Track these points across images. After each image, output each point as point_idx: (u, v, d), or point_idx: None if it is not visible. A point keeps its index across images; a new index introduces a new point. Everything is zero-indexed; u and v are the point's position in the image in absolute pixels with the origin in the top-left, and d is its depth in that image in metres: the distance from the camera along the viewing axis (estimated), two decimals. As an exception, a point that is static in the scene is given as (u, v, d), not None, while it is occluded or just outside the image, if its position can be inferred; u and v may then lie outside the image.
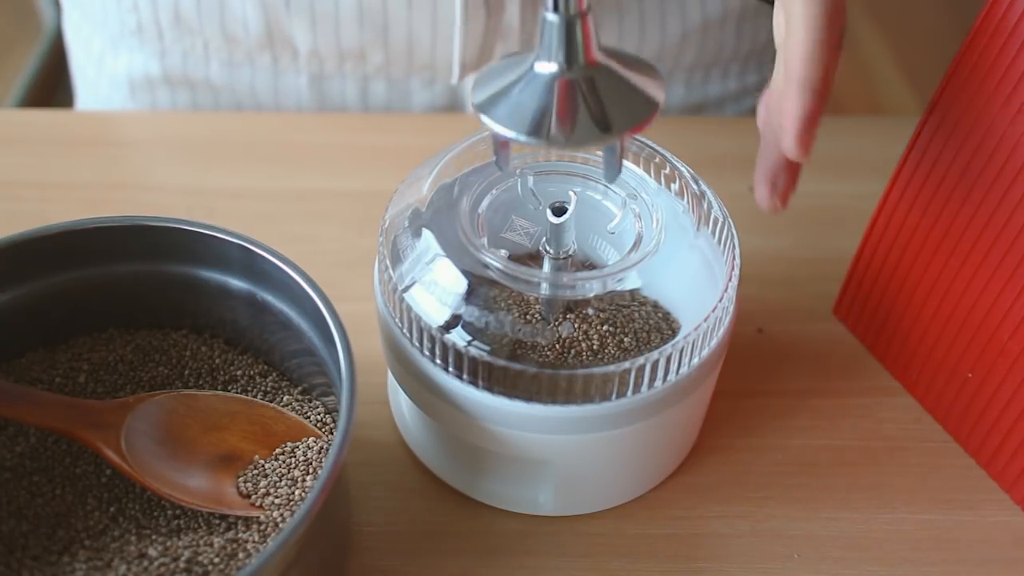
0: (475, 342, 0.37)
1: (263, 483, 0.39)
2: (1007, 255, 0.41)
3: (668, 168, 0.43)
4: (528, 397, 0.38)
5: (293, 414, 0.42)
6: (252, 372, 0.44)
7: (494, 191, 0.42)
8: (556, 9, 0.33)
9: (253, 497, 0.38)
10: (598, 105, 0.33)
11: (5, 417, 0.40)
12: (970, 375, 0.44)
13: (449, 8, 0.59)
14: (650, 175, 0.43)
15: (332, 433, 0.41)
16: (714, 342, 0.39)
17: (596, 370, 0.37)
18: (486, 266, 0.38)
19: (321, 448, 0.40)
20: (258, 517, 0.38)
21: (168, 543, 0.37)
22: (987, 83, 0.40)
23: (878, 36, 1.69)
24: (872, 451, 0.46)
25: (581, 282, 0.38)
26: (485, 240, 0.40)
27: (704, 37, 0.66)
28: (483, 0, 0.58)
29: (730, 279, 0.39)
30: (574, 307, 0.38)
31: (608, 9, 0.62)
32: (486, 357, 0.37)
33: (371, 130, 0.64)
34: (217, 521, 0.39)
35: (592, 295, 0.38)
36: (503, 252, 0.40)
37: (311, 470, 0.39)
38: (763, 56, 0.70)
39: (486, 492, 0.43)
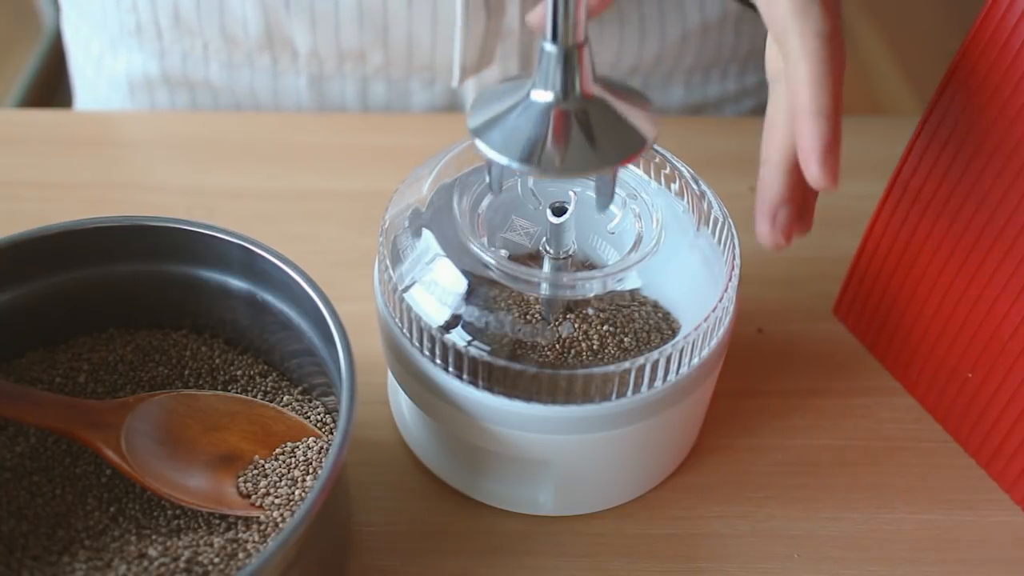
0: (475, 342, 0.37)
1: (263, 483, 0.39)
2: (1007, 255, 0.41)
3: (668, 168, 0.43)
4: (528, 397, 0.38)
5: (293, 414, 0.42)
6: (252, 372, 0.44)
7: (494, 191, 0.42)
8: (555, 40, 0.33)
9: (253, 497, 0.38)
10: (591, 137, 0.34)
11: (5, 417, 0.40)
12: (970, 375, 0.44)
13: (449, 9, 0.59)
14: (650, 175, 0.43)
15: (332, 433, 0.41)
16: (714, 342, 0.39)
17: (596, 370, 0.37)
18: (486, 266, 0.38)
19: (321, 448, 0.40)
20: (258, 517, 0.38)
21: (168, 543, 0.37)
22: (987, 83, 0.40)
23: (878, 36, 1.69)
24: (872, 451, 0.46)
25: (581, 282, 0.38)
26: (485, 240, 0.40)
27: (703, 38, 0.66)
28: (484, 2, 0.58)
29: (730, 279, 0.39)
30: (574, 307, 0.38)
31: (609, 12, 0.62)
32: (486, 357, 0.37)
33: (371, 130, 0.64)
34: (217, 521, 0.39)
35: (592, 295, 0.38)
36: (503, 252, 0.40)
37: (311, 470, 0.39)
38: (762, 57, 0.70)
39: (486, 492, 0.43)
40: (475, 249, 0.39)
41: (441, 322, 0.38)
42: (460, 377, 0.38)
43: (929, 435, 0.47)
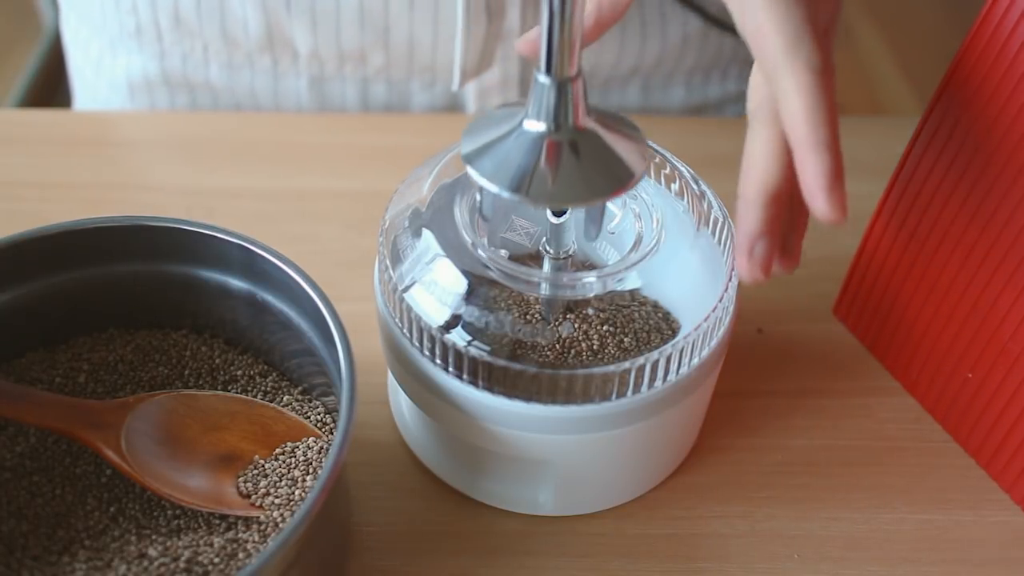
0: (475, 342, 0.37)
1: (263, 483, 0.39)
2: (1007, 255, 0.41)
3: (668, 168, 0.43)
4: (528, 397, 0.38)
5: (293, 414, 0.42)
6: (252, 372, 0.44)
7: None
8: (549, 72, 0.34)
9: (253, 497, 0.38)
10: (581, 169, 0.35)
11: (5, 417, 0.40)
12: (970, 375, 0.44)
13: (451, 10, 0.59)
14: (650, 175, 0.43)
15: (332, 433, 0.41)
16: (714, 342, 0.39)
17: (596, 370, 0.37)
18: (486, 266, 0.38)
19: (321, 448, 0.40)
20: (258, 517, 0.38)
21: (168, 543, 0.37)
22: (987, 83, 0.40)
23: (877, 36, 1.69)
24: (872, 451, 0.46)
25: (581, 282, 0.38)
26: (485, 240, 0.40)
27: (704, 40, 0.66)
28: (484, 5, 0.58)
29: (730, 279, 0.39)
30: (574, 307, 0.38)
31: None
32: (486, 357, 0.37)
33: (371, 130, 0.64)
34: (217, 521, 0.39)
35: (592, 295, 0.38)
36: (503, 252, 0.40)
37: (311, 470, 0.39)
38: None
39: (486, 492, 0.43)
40: (475, 249, 0.39)
41: (441, 322, 0.38)
42: (460, 377, 0.38)
43: (929, 435, 0.47)
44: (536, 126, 0.35)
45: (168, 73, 0.66)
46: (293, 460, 0.39)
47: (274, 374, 0.44)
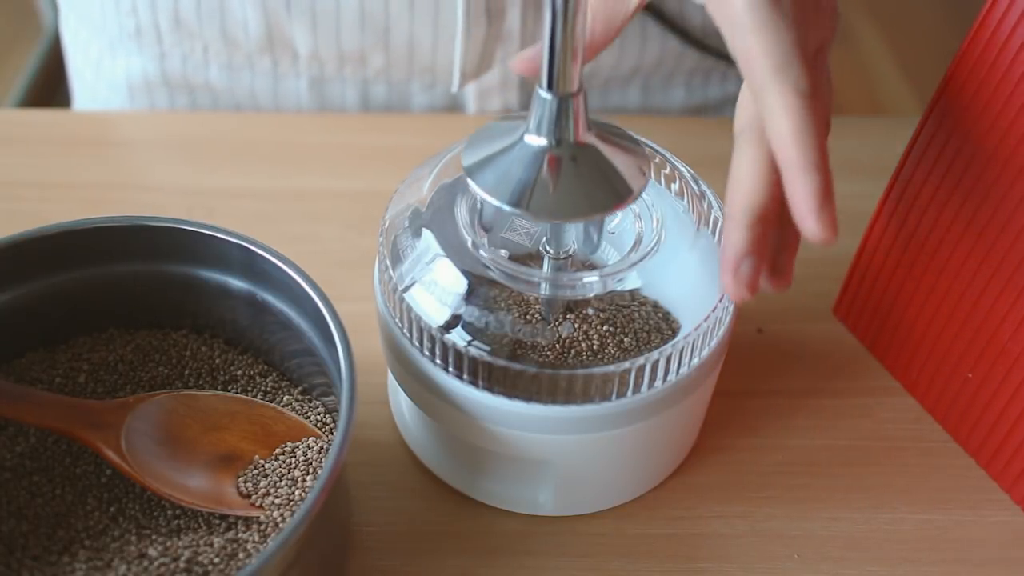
0: (475, 342, 0.37)
1: (263, 483, 0.39)
2: (1008, 255, 0.41)
3: (668, 168, 0.43)
4: (528, 397, 0.38)
5: (293, 414, 0.42)
6: (252, 372, 0.44)
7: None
8: (550, 88, 0.34)
9: (253, 497, 0.38)
10: (581, 184, 0.35)
11: (5, 417, 0.40)
12: (970, 375, 0.44)
13: (451, 12, 0.59)
14: (650, 175, 0.43)
15: (332, 433, 0.41)
16: (714, 342, 0.39)
17: (596, 370, 0.37)
18: (486, 266, 0.38)
19: (321, 448, 0.40)
20: (258, 517, 0.38)
21: (168, 543, 0.37)
22: (987, 83, 0.40)
23: (878, 36, 1.69)
24: (872, 451, 0.46)
25: (581, 282, 0.38)
26: (485, 240, 0.40)
27: (704, 42, 0.66)
28: (484, 7, 0.58)
29: (730, 279, 0.39)
30: (574, 307, 0.38)
31: None
32: (486, 357, 0.37)
33: (371, 130, 0.64)
34: (217, 521, 0.39)
35: (592, 295, 0.38)
36: (503, 252, 0.40)
37: (311, 470, 0.39)
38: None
39: (486, 492, 0.43)
40: (475, 249, 0.39)
41: (441, 322, 0.38)
42: (460, 377, 0.38)
43: (929, 435, 0.47)
44: (537, 140, 0.35)
45: (168, 74, 0.66)
46: (293, 460, 0.39)
47: (274, 374, 0.44)
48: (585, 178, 0.35)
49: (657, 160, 0.43)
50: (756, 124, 0.35)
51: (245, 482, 0.39)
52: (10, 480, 0.39)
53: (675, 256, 0.39)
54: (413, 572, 0.41)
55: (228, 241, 0.41)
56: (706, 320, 0.38)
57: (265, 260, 0.41)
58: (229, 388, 0.43)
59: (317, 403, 0.43)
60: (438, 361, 0.39)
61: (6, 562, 0.37)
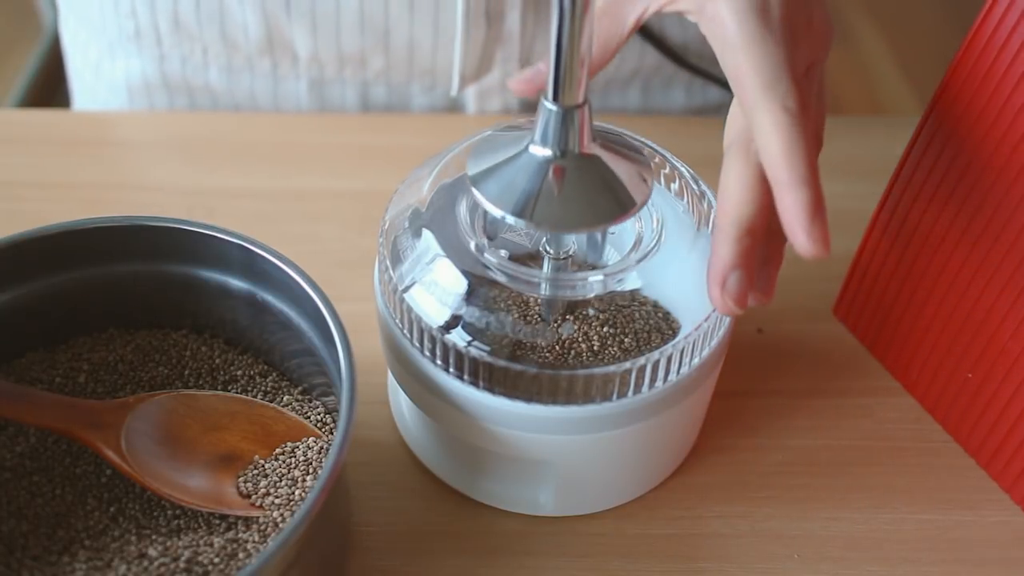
0: (475, 342, 0.37)
1: (263, 483, 0.39)
2: (1007, 255, 0.41)
3: (668, 168, 0.43)
4: (528, 397, 0.38)
5: (293, 414, 0.42)
6: (252, 372, 0.44)
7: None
8: (556, 100, 0.34)
9: (253, 497, 0.38)
10: (584, 195, 0.35)
11: (5, 417, 0.40)
12: (970, 375, 0.44)
13: (450, 14, 0.59)
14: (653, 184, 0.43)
15: (332, 433, 0.41)
16: (714, 342, 0.39)
17: (596, 370, 0.37)
18: (486, 266, 0.38)
19: (321, 448, 0.40)
20: (258, 517, 0.38)
21: (168, 543, 0.37)
22: (987, 83, 0.40)
23: (878, 36, 1.69)
24: (872, 451, 0.46)
25: (581, 282, 0.38)
26: (485, 240, 0.40)
27: (705, 44, 0.65)
28: (484, 9, 0.58)
29: (730, 279, 0.39)
30: (574, 307, 0.38)
31: None
32: (486, 357, 0.37)
33: (371, 130, 0.64)
34: (217, 521, 0.39)
35: (592, 295, 0.38)
36: (503, 252, 0.40)
37: (311, 470, 0.39)
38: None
39: (486, 492, 0.43)
40: (475, 249, 0.39)
41: (441, 322, 0.38)
42: (460, 377, 0.38)
43: (929, 435, 0.47)
44: (542, 151, 0.36)
45: (167, 76, 0.66)
46: (293, 460, 0.39)
47: (274, 374, 0.44)
48: (589, 189, 0.36)
49: (657, 160, 0.43)
50: (745, 137, 0.36)
51: (245, 482, 0.39)
52: (10, 480, 0.39)
53: (675, 256, 0.39)
54: (413, 572, 0.41)
55: (228, 241, 0.41)
56: (706, 320, 0.38)
57: (265, 260, 0.41)
58: (229, 388, 0.43)
59: (317, 403, 0.43)
60: (438, 361, 0.39)
61: (6, 562, 0.37)
